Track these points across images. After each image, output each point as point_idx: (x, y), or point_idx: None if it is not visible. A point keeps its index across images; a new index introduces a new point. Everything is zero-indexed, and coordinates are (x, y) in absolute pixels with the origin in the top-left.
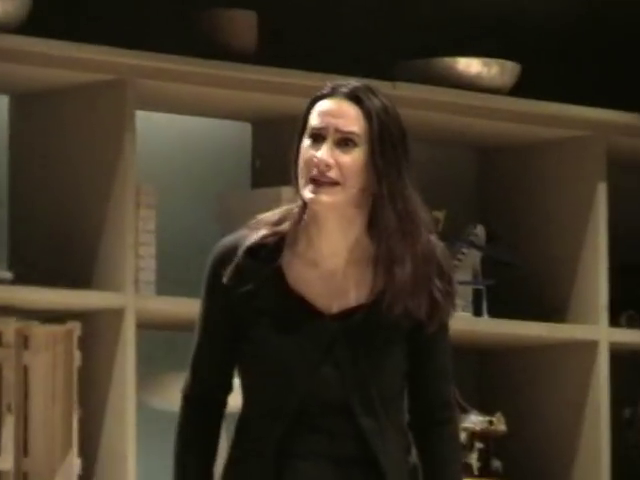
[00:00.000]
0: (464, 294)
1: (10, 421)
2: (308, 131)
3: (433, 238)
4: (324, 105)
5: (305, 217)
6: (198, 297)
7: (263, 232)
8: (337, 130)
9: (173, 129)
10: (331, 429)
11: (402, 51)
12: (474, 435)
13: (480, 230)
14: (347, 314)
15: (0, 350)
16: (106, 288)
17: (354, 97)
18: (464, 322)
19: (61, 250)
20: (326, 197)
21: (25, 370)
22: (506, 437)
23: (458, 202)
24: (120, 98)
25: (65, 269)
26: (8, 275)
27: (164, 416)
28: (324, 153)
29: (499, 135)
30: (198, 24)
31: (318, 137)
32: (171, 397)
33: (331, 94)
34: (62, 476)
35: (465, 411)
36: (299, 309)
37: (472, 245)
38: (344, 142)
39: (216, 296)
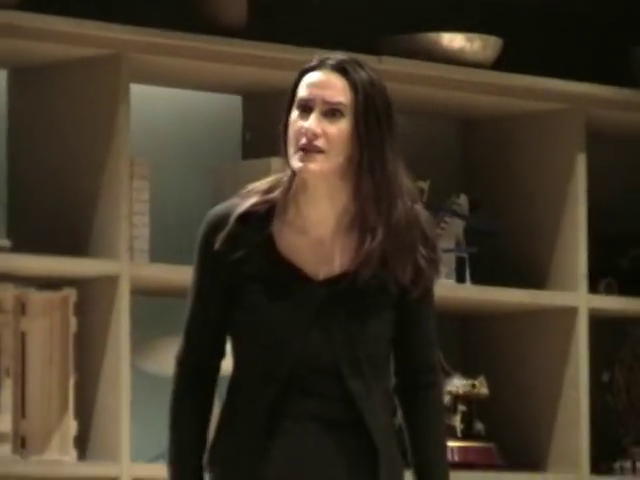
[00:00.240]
0: (447, 261)
1: (8, 385)
2: (296, 102)
3: (418, 207)
4: (312, 77)
5: (294, 186)
6: (190, 264)
7: (254, 200)
8: (324, 101)
9: (166, 102)
10: (320, 392)
11: (387, 26)
12: (457, 398)
13: (463, 199)
14: (335, 280)
15: None
16: (101, 256)
17: (341, 69)
18: (447, 289)
19: (58, 219)
20: (313, 165)
21: (22, 335)
22: (488, 400)
23: (442, 173)
24: (115, 72)
25: (61, 237)
26: (6, 243)
27: (157, 380)
28: (312, 123)
29: (482, 108)
30: (190, 0)
31: (306, 108)
32: (164, 361)
33: (318, 66)
34: (59, 437)
35: (448, 375)
36: (289, 275)
37: (455, 214)
38: (331, 113)
39: (208, 263)
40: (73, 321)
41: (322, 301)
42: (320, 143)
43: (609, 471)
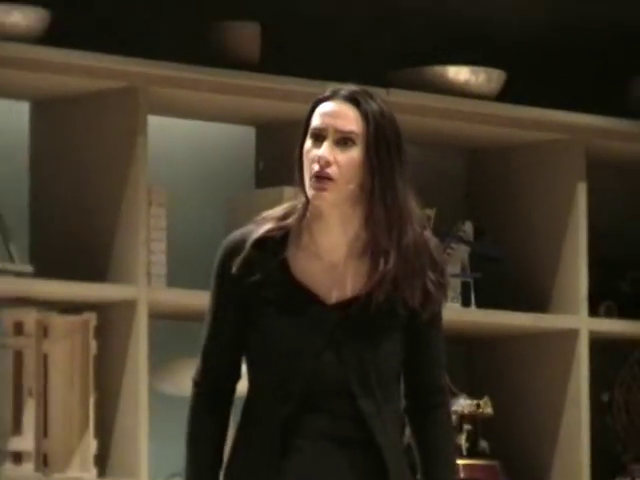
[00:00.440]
0: (453, 286)
1: (31, 405)
2: (310, 131)
3: (427, 233)
4: (325, 107)
5: (308, 213)
6: (206, 289)
7: (269, 226)
8: (336, 130)
9: (182, 133)
10: (332, 410)
11: (395, 60)
12: (463, 417)
13: (468, 226)
14: (347, 303)
15: (21, 339)
16: (120, 281)
17: (353, 99)
18: (453, 312)
19: (78, 245)
20: (326, 193)
21: (45, 357)
22: (493, 419)
23: (448, 200)
24: (133, 104)
25: (82, 263)
26: (29, 269)
27: (174, 400)
28: (324, 151)
29: (486, 138)
30: (206, 35)
31: (319, 137)
32: (181, 383)
33: (331, 97)
34: (79, 456)
35: (454, 395)
36: (303, 298)
37: (461, 240)
38: (343, 141)
39: (225, 286)
40: (93, 344)
41: (335, 323)
42: (331, 171)
43: None
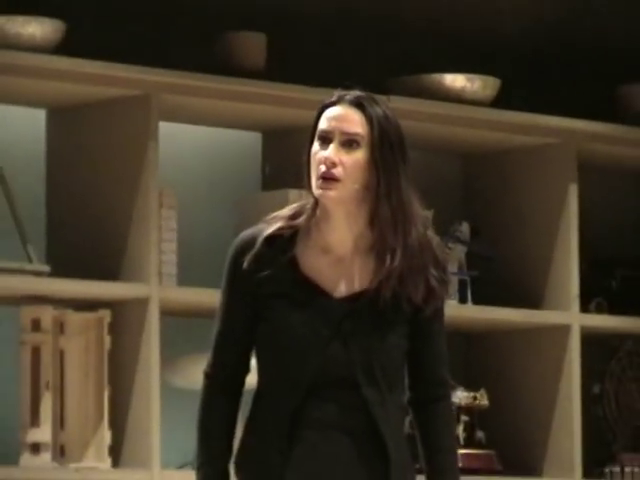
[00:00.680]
0: (451, 284)
1: (48, 398)
2: (317, 134)
3: (430, 232)
4: (331, 111)
5: (317, 212)
6: (215, 287)
7: (279, 224)
8: (342, 132)
9: (192, 138)
10: (339, 400)
11: (395, 68)
12: (460, 409)
13: (465, 227)
14: (353, 297)
15: (39, 335)
16: (133, 280)
17: (358, 104)
18: (451, 309)
19: (92, 246)
20: (332, 192)
21: (61, 353)
22: (488, 411)
23: (445, 202)
24: (145, 111)
25: (96, 263)
26: (46, 268)
27: (184, 393)
28: (331, 152)
29: (482, 142)
30: (215, 45)
31: (326, 139)
32: (191, 376)
33: (338, 102)
34: (94, 447)
35: (452, 388)
36: (311, 292)
37: (458, 240)
38: (348, 143)
39: (237, 282)
40: (107, 340)
41: (342, 316)
42: (337, 172)
43: (600, 475)
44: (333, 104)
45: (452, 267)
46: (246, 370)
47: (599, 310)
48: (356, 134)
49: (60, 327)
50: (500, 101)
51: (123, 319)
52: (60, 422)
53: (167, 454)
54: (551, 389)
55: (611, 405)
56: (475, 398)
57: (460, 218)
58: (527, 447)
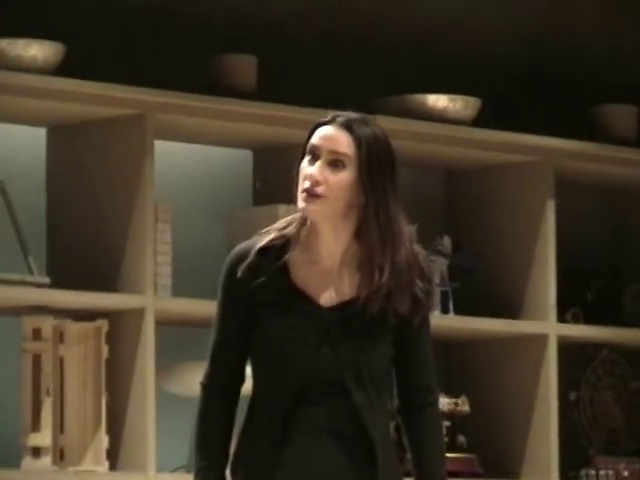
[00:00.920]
0: (435, 295)
1: (48, 404)
2: (307, 148)
3: (416, 247)
4: (323, 130)
5: (307, 224)
6: (208, 298)
7: (272, 235)
8: (329, 151)
9: (186, 156)
10: (328, 404)
11: (380, 89)
12: (442, 415)
13: (447, 241)
14: (341, 306)
15: (39, 344)
16: (129, 291)
17: (347, 126)
18: (433, 319)
19: (91, 258)
20: (314, 207)
21: (61, 361)
22: (469, 416)
23: (429, 217)
24: (141, 129)
25: (95, 275)
26: (46, 280)
27: (179, 400)
28: (315, 170)
29: (463, 160)
30: (208, 66)
31: (314, 155)
32: (185, 383)
33: (330, 122)
34: (92, 451)
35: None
36: (300, 300)
37: (440, 253)
38: (334, 163)
39: (232, 292)
40: (105, 348)
41: (330, 323)
42: (320, 190)
43: (576, 478)
44: (325, 123)
45: (435, 279)
46: (242, 379)
47: (575, 320)
48: (343, 154)
49: (60, 336)
50: (481, 120)
51: (120, 329)
52: (60, 427)
53: (162, 458)
54: (529, 395)
55: (587, 411)
56: (457, 404)
57: (442, 232)
58: (506, 451)
